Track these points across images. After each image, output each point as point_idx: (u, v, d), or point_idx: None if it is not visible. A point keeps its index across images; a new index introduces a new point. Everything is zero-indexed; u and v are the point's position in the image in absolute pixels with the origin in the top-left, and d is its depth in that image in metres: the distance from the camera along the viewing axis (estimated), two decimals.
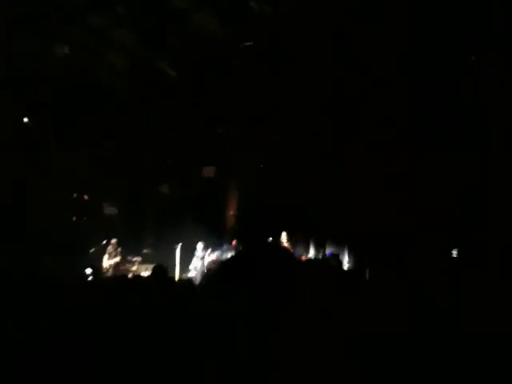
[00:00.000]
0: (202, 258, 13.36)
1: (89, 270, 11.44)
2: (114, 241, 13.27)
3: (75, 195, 13.46)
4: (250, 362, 2.26)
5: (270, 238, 12.18)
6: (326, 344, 2.65)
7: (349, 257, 12.91)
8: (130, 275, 12.15)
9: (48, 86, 10.92)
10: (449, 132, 9.08)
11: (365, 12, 7.35)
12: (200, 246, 13.49)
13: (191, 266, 13.31)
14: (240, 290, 2.45)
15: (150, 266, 13.07)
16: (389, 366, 2.62)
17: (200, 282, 7.38)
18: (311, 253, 13.49)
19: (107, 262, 13.21)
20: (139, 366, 2.80)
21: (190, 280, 9.67)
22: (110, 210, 14.44)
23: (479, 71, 8.20)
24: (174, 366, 2.24)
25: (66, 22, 9.03)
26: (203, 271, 12.82)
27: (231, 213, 14.66)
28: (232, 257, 2.49)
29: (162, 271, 7.06)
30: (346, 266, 12.55)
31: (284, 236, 12.14)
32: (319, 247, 13.50)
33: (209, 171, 13.90)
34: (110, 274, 12.83)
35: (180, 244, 13.76)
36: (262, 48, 9.05)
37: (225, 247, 13.46)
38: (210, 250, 13.53)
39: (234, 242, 13.43)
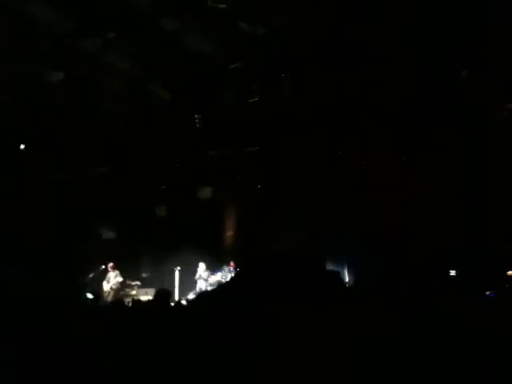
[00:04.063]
0: (206, 280, 13.36)
1: (90, 295, 11.36)
2: (110, 264, 13.22)
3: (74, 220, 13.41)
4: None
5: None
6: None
7: (348, 274, 12.97)
8: (129, 300, 12.22)
9: (42, 112, 10.96)
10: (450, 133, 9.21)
11: (364, 13, 7.43)
12: (202, 267, 13.49)
13: (197, 289, 13.24)
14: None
15: (150, 290, 13.16)
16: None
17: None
18: None
19: (107, 286, 13.16)
20: None
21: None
22: (108, 233, 14.41)
23: (479, 72, 8.32)
24: None
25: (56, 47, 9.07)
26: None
27: (229, 233, 14.66)
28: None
29: (166, 296, 7.06)
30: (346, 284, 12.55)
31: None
32: None
33: (205, 192, 13.90)
34: (110, 298, 12.75)
35: (178, 267, 13.75)
36: (257, 64, 9.09)
37: (225, 268, 13.44)
38: (209, 271, 13.54)
39: (232, 263, 13.43)
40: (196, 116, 11.11)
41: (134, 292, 13.53)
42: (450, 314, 3.13)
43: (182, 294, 13.45)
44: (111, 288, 13.06)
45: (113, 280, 13.13)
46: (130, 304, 11.07)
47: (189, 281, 13.67)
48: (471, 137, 9.37)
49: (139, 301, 11.86)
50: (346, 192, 11.33)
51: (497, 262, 8.90)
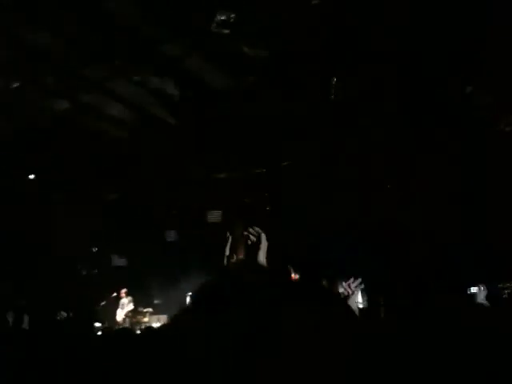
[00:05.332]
0: None
1: (97, 324, 11.23)
2: (124, 290, 13.10)
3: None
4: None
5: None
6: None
7: (362, 294, 12.80)
8: (141, 327, 12.06)
9: (50, 140, 11.03)
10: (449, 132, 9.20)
11: (363, 13, 7.41)
12: None
13: None
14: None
15: (162, 317, 12.96)
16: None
17: None
18: None
19: (121, 313, 13.03)
20: None
21: None
22: (119, 261, 14.32)
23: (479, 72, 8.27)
24: None
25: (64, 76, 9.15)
26: None
27: (240, 257, 14.47)
28: None
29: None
30: (360, 304, 12.37)
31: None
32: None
33: (215, 216, 13.77)
34: (122, 325, 12.60)
35: (190, 293, 13.56)
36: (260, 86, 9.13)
37: None
38: None
39: None
40: (201, 141, 11.07)
41: (146, 319, 13.33)
42: (450, 314, 2.99)
43: None
44: (125, 315, 12.93)
45: (126, 307, 13.00)
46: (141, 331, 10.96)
47: None
48: (470, 137, 9.32)
49: (150, 328, 11.78)
50: (344, 192, 11.27)
51: (496, 262, 8.90)
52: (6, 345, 4.33)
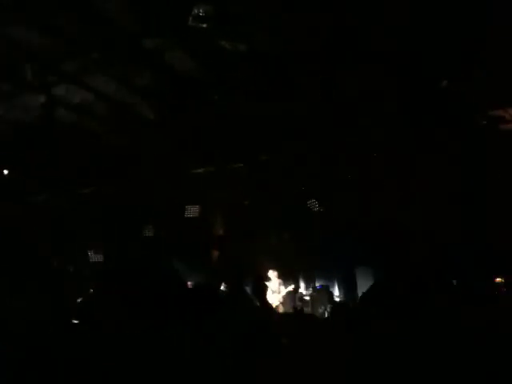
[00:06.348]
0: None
1: (76, 320, 11.08)
2: None
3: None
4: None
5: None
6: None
7: (339, 288, 13.08)
8: None
9: (30, 136, 11.00)
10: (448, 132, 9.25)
11: (362, 13, 7.42)
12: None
13: None
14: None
15: None
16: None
17: None
18: (301, 286, 13.63)
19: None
20: None
21: None
22: (96, 257, 14.23)
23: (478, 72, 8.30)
24: None
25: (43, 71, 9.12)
26: None
27: (216, 253, 14.50)
28: None
29: None
30: (337, 298, 12.58)
31: (272, 273, 12.03)
32: (309, 280, 13.62)
33: (193, 210, 13.68)
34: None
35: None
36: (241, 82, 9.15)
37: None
38: None
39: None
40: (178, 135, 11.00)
41: None
42: (449, 314, 2.99)
43: None
44: None
45: None
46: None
47: None
48: (470, 137, 9.38)
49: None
50: (344, 192, 11.37)
51: (496, 262, 9.01)
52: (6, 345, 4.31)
